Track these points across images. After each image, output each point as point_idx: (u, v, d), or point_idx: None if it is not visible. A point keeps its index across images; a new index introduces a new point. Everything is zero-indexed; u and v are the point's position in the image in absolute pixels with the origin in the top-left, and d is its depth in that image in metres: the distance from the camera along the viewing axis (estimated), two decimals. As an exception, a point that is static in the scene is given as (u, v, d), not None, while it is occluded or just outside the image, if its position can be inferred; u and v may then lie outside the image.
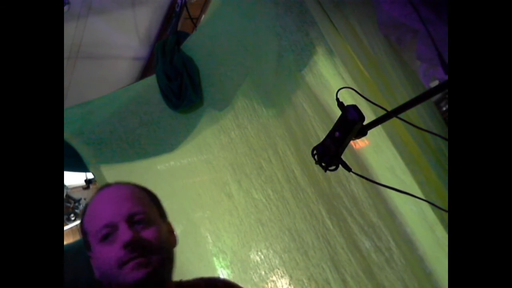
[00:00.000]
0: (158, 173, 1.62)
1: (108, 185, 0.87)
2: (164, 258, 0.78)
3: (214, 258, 1.46)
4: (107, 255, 0.76)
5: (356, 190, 1.19)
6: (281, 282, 1.35)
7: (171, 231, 0.86)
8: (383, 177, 1.13)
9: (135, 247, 0.75)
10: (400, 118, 0.77)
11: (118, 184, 0.87)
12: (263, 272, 1.42)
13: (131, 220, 0.78)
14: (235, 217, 1.46)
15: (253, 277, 1.40)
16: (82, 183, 3.75)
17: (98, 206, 0.83)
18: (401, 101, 0.84)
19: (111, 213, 0.79)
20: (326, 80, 1.20)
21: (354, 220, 1.19)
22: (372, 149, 1.15)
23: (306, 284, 1.28)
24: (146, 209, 0.82)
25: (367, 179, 0.77)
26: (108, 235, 0.77)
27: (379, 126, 0.75)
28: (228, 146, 1.49)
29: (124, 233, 0.75)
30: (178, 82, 1.45)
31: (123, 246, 0.74)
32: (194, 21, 1.86)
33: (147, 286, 0.74)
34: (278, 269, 1.39)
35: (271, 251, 1.40)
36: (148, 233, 0.78)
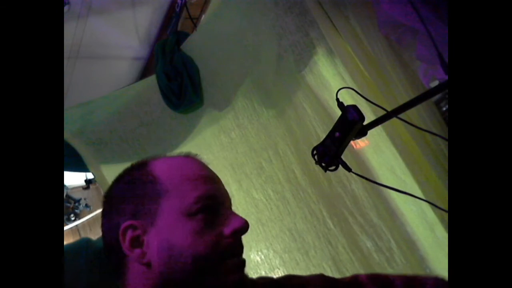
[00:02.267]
0: (158, 173, 1.62)
1: (187, 155, 0.66)
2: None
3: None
4: (197, 239, 0.56)
5: (357, 190, 1.19)
6: (281, 282, 1.35)
7: None
8: (383, 177, 1.13)
9: (241, 241, 0.60)
10: (400, 118, 0.77)
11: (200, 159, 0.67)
12: (263, 272, 1.42)
13: (228, 204, 0.62)
14: (235, 217, 1.46)
15: (253, 277, 1.40)
16: (82, 183, 3.75)
17: (191, 170, 0.62)
18: (401, 101, 0.84)
19: (214, 187, 0.62)
20: (326, 80, 1.20)
21: (355, 220, 1.19)
22: (372, 149, 1.15)
23: (306, 284, 1.28)
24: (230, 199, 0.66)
25: (367, 179, 0.77)
26: (200, 213, 0.58)
27: (379, 126, 0.75)
28: (228, 146, 1.49)
29: (238, 218, 0.59)
30: (178, 82, 1.45)
31: (234, 232, 0.58)
32: (194, 21, 1.86)
33: None
34: (279, 269, 1.38)
35: (272, 251, 1.40)
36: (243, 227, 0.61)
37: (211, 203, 0.59)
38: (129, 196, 0.61)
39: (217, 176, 0.66)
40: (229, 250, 0.58)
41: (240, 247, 0.61)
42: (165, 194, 0.59)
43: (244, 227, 0.59)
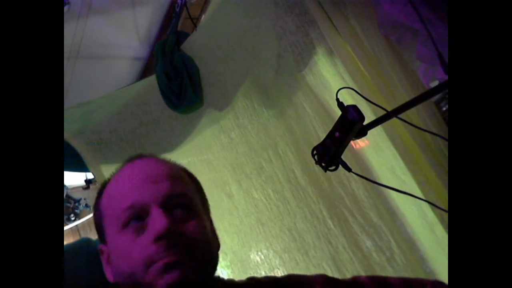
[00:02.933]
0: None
1: (139, 156, 0.66)
2: (206, 262, 0.59)
3: (214, 258, 1.45)
4: (130, 249, 0.56)
5: (357, 190, 1.19)
6: (282, 282, 1.35)
7: (214, 231, 0.67)
8: (383, 177, 1.13)
9: (171, 241, 0.55)
10: (400, 118, 0.77)
11: (152, 157, 0.66)
12: (263, 272, 1.42)
13: (168, 204, 0.58)
14: (235, 217, 1.46)
15: (259, 276, 1.40)
16: (82, 183, 3.75)
17: (123, 182, 0.61)
18: (401, 101, 0.84)
19: (141, 192, 0.58)
20: (326, 80, 1.20)
21: (355, 220, 1.19)
22: (372, 149, 1.15)
23: (306, 284, 1.28)
24: (189, 194, 0.62)
25: (367, 179, 0.77)
26: (132, 221, 0.57)
27: (379, 126, 0.75)
28: (228, 146, 1.49)
29: (158, 220, 0.55)
30: (178, 82, 1.45)
31: (155, 239, 0.55)
32: (194, 21, 1.86)
33: None
34: (279, 269, 1.39)
35: (271, 251, 1.40)
36: (188, 226, 0.58)
37: (134, 213, 0.58)
38: (95, 221, 0.67)
39: (161, 173, 0.62)
40: (151, 259, 0.55)
41: (163, 252, 0.55)
42: (106, 212, 0.63)
43: (161, 231, 0.55)
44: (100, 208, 0.64)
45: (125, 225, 0.58)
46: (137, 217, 0.58)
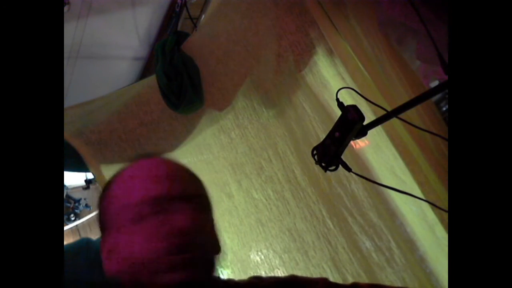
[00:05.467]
0: (158, 173, 1.62)
1: (148, 155, 0.67)
2: (208, 262, 0.61)
3: (214, 258, 1.45)
4: (143, 243, 0.56)
5: (357, 190, 1.19)
6: (281, 282, 1.35)
7: (216, 232, 0.68)
8: (383, 177, 1.13)
9: (184, 239, 0.57)
10: (400, 118, 0.77)
11: (161, 158, 0.68)
12: (263, 272, 1.42)
13: (179, 203, 0.60)
14: (235, 217, 1.46)
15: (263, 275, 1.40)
16: (82, 183, 3.75)
17: (135, 178, 0.63)
18: (401, 101, 0.84)
19: (154, 189, 0.60)
20: (326, 80, 1.20)
21: (355, 220, 1.19)
22: (372, 149, 1.15)
23: (306, 284, 1.28)
24: (197, 197, 0.65)
25: (367, 179, 0.77)
26: (146, 216, 0.58)
27: (379, 126, 0.75)
28: (228, 146, 1.49)
29: (174, 218, 0.58)
30: (178, 82, 1.45)
31: (170, 235, 0.57)
32: (194, 21, 1.86)
33: None
34: (278, 269, 1.39)
35: (271, 251, 1.40)
36: (195, 225, 0.59)
37: (148, 207, 0.60)
38: (100, 216, 0.66)
39: (172, 173, 0.64)
40: (167, 252, 0.57)
41: (181, 245, 0.58)
42: (112, 210, 0.63)
43: (178, 229, 0.58)
44: (109, 201, 0.63)
45: (138, 220, 0.58)
46: (151, 213, 0.59)
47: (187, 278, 0.56)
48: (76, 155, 1.64)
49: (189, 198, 0.62)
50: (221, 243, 0.67)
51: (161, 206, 0.59)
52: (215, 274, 0.65)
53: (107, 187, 0.67)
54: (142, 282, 0.56)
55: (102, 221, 0.65)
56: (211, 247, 0.63)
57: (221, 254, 0.66)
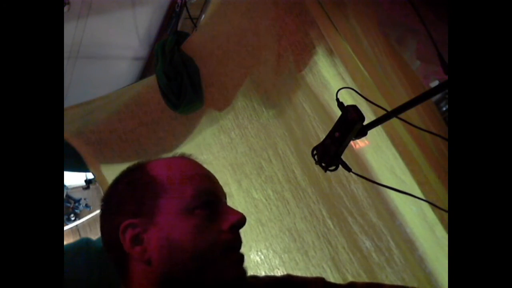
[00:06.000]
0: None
1: (184, 155, 0.68)
2: None
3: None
4: (201, 233, 0.57)
5: (356, 190, 1.19)
6: (281, 282, 1.35)
7: None
8: (383, 177, 1.13)
9: (239, 235, 0.61)
10: (400, 118, 0.77)
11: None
12: (263, 272, 1.42)
13: (225, 200, 0.65)
14: (235, 217, 1.45)
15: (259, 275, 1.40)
16: (82, 183, 3.74)
17: (186, 171, 0.63)
18: (401, 101, 0.84)
19: (209, 184, 0.63)
20: (326, 80, 1.20)
21: (355, 220, 1.19)
22: (372, 149, 1.15)
23: (306, 284, 1.28)
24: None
25: (367, 179, 0.77)
26: (201, 208, 0.59)
27: (379, 126, 0.75)
28: (228, 146, 1.49)
29: (234, 212, 0.61)
30: (178, 82, 1.45)
31: (232, 227, 0.60)
32: (194, 21, 1.86)
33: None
34: (278, 269, 1.38)
35: (271, 251, 1.40)
36: None
37: (209, 199, 0.61)
38: (128, 196, 0.62)
39: (212, 174, 0.68)
40: (228, 245, 0.60)
41: (239, 242, 0.62)
42: (163, 193, 0.60)
43: (241, 221, 0.61)
44: (159, 181, 0.61)
45: (192, 210, 0.59)
46: (205, 205, 0.60)
47: (242, 273, 0.60)
48: (76, 155, 1.64)
49: (225, 196, 0.67)
50: None
51: (225, 201, 0.64)
52: None
53: (144, 170, 0.64)
54: (204, 276, 0.57)
55: (144, 199, 0.61)
56: None
57: None
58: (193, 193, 0.60)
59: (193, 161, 0.67)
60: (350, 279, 1.20)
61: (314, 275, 1.27)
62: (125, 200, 0.62)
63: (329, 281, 0.73)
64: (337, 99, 0.73)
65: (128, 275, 0.61)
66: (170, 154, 0.69)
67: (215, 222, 0.60)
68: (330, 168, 0.72)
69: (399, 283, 1.11)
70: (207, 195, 0.61)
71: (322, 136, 0.75)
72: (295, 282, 0.72)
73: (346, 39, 1.07)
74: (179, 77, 1.46)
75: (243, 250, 0.64)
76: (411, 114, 0.99)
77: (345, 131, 0.70)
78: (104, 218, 0.65)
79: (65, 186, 3.93)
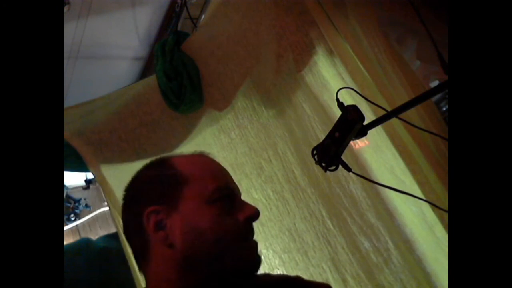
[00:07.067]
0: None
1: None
2: None
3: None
4: (221, 222, 0.63)
5: (355, 190, 1.19)
6: (281, 282, 1.35)
7: None
8: (383, 177, 1.13)
9: (252, 226, 0.68)
10: (400, 118, 0.77)
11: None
12: (262, 272, 1.42)
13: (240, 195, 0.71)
14: (235, 217, 1.45)
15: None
16: (82, 183, 3.74)
17: (209, 166, 0.71)
18: (401, 101, 0.84)
19: (229, 179, 0.70)
20: (326, 80, 1.20)
21: (354, 221, 1.19)
22: (372, 149, 1.15)
23: (306, 284, 1.28)
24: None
25: (366, 179, 0.77)
26: (221, 200, 0.65)
27: (379, 126, 0.75)
28: (228, 146, 1.49)
29: (251, 206, 0.68)
30: (178, 82, 1.45)
31: (247, 219, 0.66)
32: (194, 21, 1.86)
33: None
34: (278, 269, 1.38)
35: (271, 251, 1.40)
36: None
37: (228, 193, 0.67)
38: (153, 186, 0.67)
39: (228, 172, 0.73)
40: (244, 234, 0.66)
41: (252, 232, 0.69)
42: (187, 184, 0.66)
43: (256, 214, 0.68)
44: (182, 172, 0.66)
45: (213, 201, 0.64)
46: (225, 198, 0.66)
47: (257, 258, 0.67)
48: (76, 155, 1.64)
49: (239, 191, 0.72)
50: None
51: (234, 194, 0.69)
52: None
53: (170, 163, 0.69)
54: (224, 260, 0.62)
55: (171, 188, 0.66)
56: None
57: None
58: (214, 187, 0.65)
59: (212, 159, 0.73)
60: (350, 279, 1.20)
61: (314, 275, 1.27)
62: (150, 189, 0.67)
63: None
64: (337, 99, 0.73)
65: (148, 258, 0.65)
66: (172, 154, 0.73)
67: (233, 214, 0.66)
68: (330, 168, 0.73)
69: (398, 283, 1.11)
70: (227, 190, 0.67)
71: (322, 136, 0.75)
72: (304, 285, 0.76)
73: (346, 39, 1.07)
74: (179, 77, 1.46)
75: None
76: (411, 114, 0.99)
77: (345, 131, 0.70)
78: (127, 205, 0.70)
79: (65, 186, 3.93)
